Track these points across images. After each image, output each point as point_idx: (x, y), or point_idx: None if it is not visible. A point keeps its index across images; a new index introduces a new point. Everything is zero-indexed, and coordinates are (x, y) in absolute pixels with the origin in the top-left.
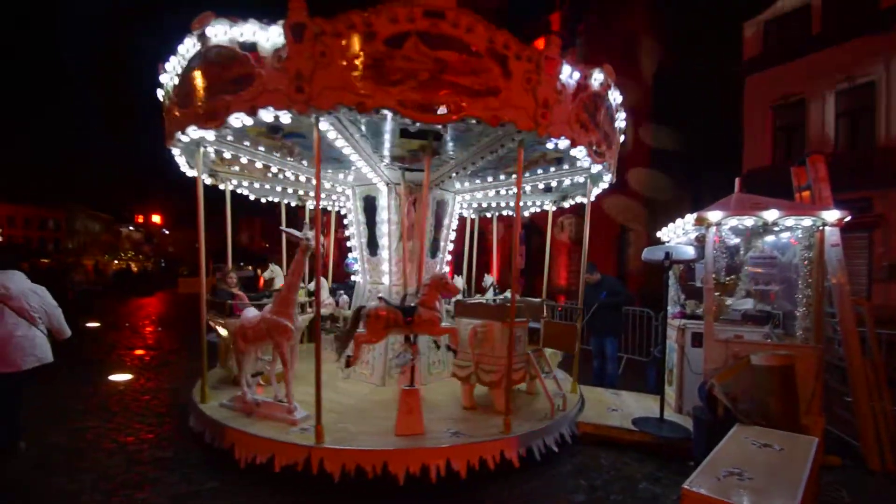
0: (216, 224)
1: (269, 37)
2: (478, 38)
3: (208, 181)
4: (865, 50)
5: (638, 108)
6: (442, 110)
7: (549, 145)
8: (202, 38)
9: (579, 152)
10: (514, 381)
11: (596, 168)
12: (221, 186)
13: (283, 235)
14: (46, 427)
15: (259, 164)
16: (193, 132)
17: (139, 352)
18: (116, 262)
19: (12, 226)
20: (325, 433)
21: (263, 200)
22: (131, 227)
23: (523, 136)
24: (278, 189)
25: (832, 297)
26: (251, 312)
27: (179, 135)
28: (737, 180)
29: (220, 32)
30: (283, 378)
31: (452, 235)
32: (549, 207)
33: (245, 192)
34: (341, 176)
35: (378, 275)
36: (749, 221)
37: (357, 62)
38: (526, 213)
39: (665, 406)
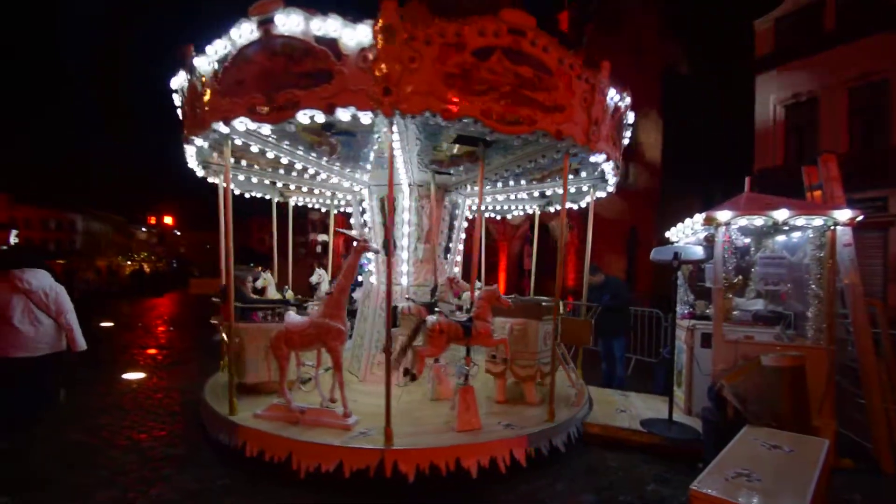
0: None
1: (354, 35)
2: (551, 57)
3: (200, 173)
4: (880, 47)
5: (647, 108)
6: (519, 122)
7: (592, 159)
8: (265, 25)
9: (608, 166)
10: (545, 375)
11: (613, 179)
12: (211, 179)
13: (290, 237)
14: (64, 424)
15: (284, 160)
16: (240, 123)
17: (151, 351)
18: (129, 263)
19: (29, 227)
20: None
21: (247, 195)
22: (144, 229)
23: (577, 151)
24: (266, 183)
25: (844, 297)
26: (292, 317)
27: (219, 125)
28: (747, 179)
29: (293, 23)
30: (338, 382)
31: (462, 237)
32: (535, 209)
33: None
34: (357, 175)
35: (395, 275)
36: (759, 221)
37: (446, 70)
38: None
39: (674, 407)
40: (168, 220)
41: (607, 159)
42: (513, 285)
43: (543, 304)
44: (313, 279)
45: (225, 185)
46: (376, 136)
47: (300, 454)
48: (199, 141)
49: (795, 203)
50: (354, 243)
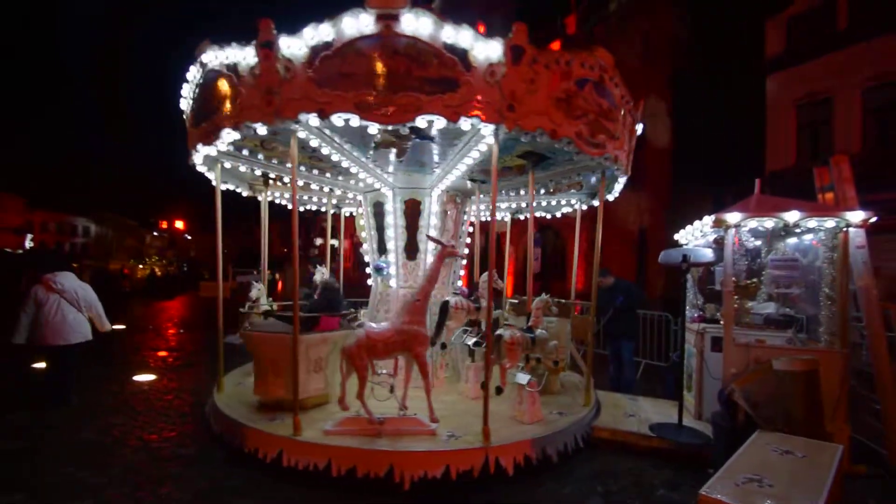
0: (236, 230)
1: (485, 49)
2: (618, 92)
3: (199, 161)
4: (894, 47)
5: (657, 109)
6: (597, 146)
7: (622, 179)
8: (387, 21)
9: (623, 177)
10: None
11: (622, 181)
12: (210, 175)
13: (294, 241)
14: (77, 423)
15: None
16: (338, 118)
17: (162, 353)
18: (141, 266)
19: (45, 231)
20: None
21: (223, 188)
22: (155, 233)
23: (618, 173)
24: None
25: (857, 300)
26: (371, 325)
27: (309, 116)
28: (757, 181)
29: (422, 25)
30: (425, 388)
31: (468, 240)
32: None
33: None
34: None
35: (414, 279)
36: (769, 223)
37: (555, 94)
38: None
39: (684, 412)
40: (179, 224)
41: (625, 172)
42: (521, 287)
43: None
44: (253, 294)
45: (292, 185)
46: (461, 143)
47: (403, 464)
48: (262, 129)
49: (807, 205)
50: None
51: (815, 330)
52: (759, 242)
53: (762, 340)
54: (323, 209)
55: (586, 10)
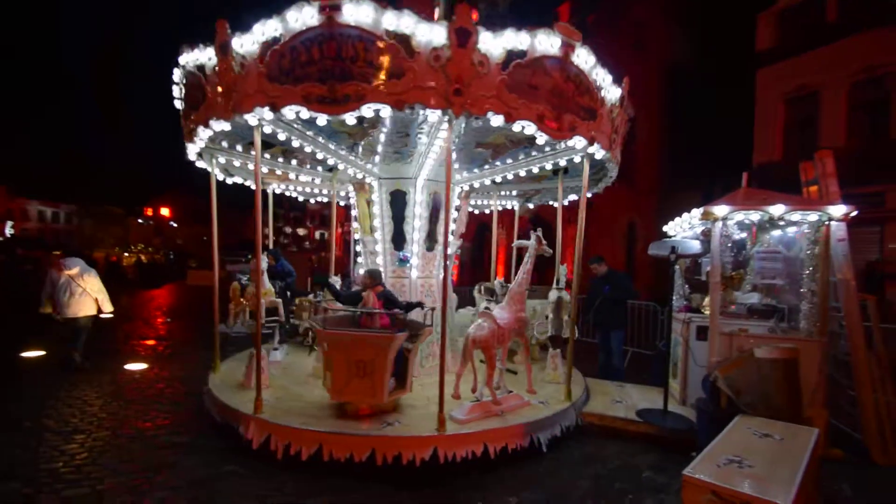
0: (228, 218)
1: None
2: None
3: (193, 155)
4: (882, 41)
5: (649, 101)
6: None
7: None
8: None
9: (610, 162)
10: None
11: (613, 172)
12: (207, 165)
13: (258, 230)
14: (70, 413)
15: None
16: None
17: (152, 342)
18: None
19: (26, 219)
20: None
21: (230, 181)
22: (140, 220)
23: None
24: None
25: (837, 291)
26: (498, 313)
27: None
28: (744, 175)
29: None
30: (526, 368)
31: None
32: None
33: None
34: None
35: (430, 269)
36: (755, 216)
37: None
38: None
39: (669, 398)
40: (165, 211)
41: (616, 164)
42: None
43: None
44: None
45: (255, 176)
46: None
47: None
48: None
49: (791, 198)
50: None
51: (797, 319)
52: (744, 234)
53: (745, 329)
54: (326, 199)
55: (579, 1)
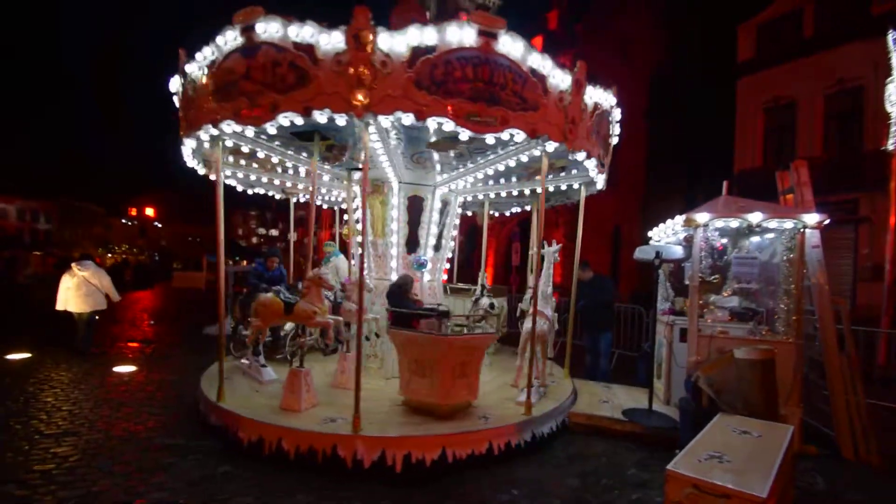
0: (210, 219)
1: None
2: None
3: (202, 170)
4: (856, 55)
5: (634, 107)
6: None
7: (572, 157)
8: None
9: (590, 163)
10: None
11: (599, 177)
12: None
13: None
14: (61, 416)
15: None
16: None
17: (140, 345)
18: (110, 255)
19: (4, 218)
20: None
21: (250, 192)
22: (123, 220)
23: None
24: (263, 180)
25: (812, 295)
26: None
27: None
28: (724, 183)
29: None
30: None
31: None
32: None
33: (233, 184)
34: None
35: (434, 272)
36: (734, 223)
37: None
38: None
39: (654, 398)
40: (149, 211)
41: (588, 157)
42: (501, 280)
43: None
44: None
45: (216, 185)
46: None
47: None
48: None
49: (768, 206)
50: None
51: (774, 322)
52: (724, 240)
53: (725, 332)
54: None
55: (567, 8)
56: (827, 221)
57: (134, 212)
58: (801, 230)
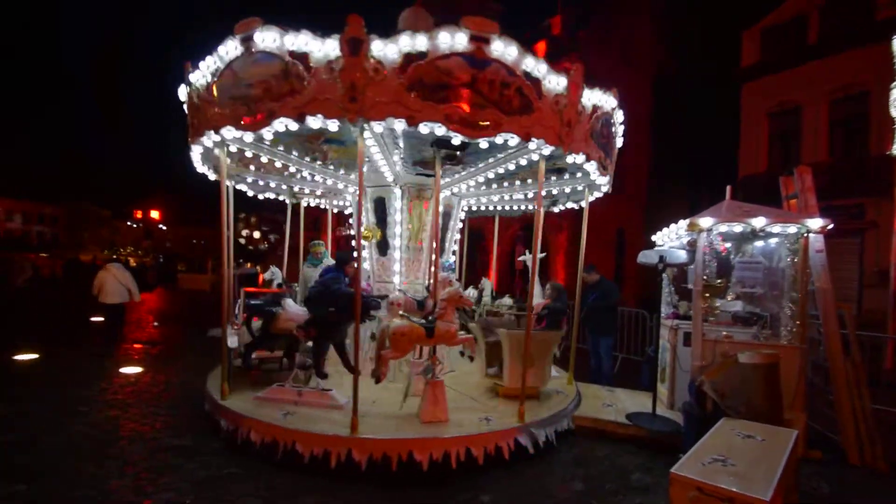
0: (216, 221)
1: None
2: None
3: (211, 175)
4: (861, 60)
5: (638, 112)
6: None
7: (569, 160)
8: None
9: (590, 166)
10: None
11: (601, 179)
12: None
13: (284, 233)
14: (69, 418)
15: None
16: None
17: (146, 346)
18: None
19: (10, 220)
20: None
21: (261, 196)
22: (129, 223)
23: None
24: (272, 185)
25: (816, 300)
26: None
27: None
28: (728, 188)
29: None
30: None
31: (457, 237)
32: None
33: (243, 188)
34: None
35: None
36: (738, 228)
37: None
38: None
39: (657, 402)
40: (154, 214)
41: (588, 159)
42: (505, 285)
43: None
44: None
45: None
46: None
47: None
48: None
49: (772, 211)
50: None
51: (778, 327)
52: (728, 244)
53: (729, 336)
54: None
55: (570, 15)
56: (831, 226)
57: (139, 214)
58: (805, 235)
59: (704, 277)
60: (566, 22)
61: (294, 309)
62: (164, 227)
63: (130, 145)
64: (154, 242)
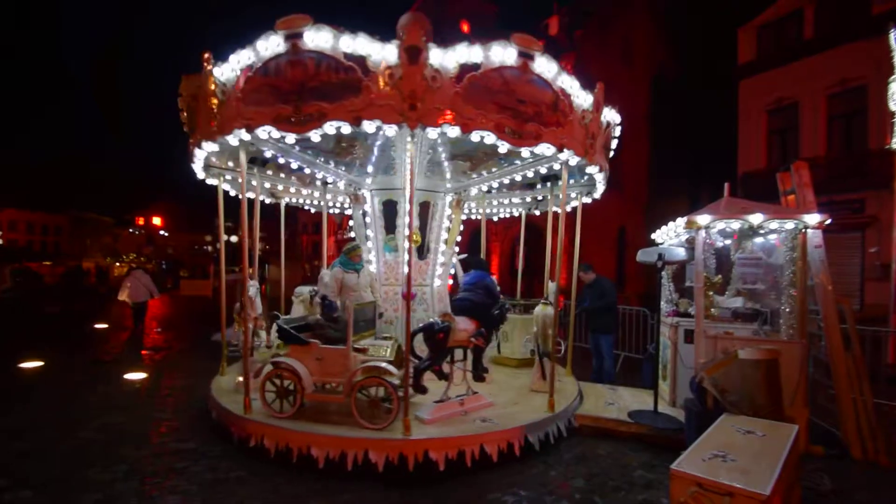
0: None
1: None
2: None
3: (201, 174)
4: (857, 54)
5: (636, 110)
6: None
7: (589, 170)
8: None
9: (600, 176)
10: None
11: (601, 179)
12: (211, 181)
13: (281, 236)
14: (75, 422)
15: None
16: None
17: (150, 352)
18: (118, 264)
19: (14, 230)
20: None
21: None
22: (131, 230)
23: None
24: (266, 186)
25: (815, 295)
26: None
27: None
28: (726, 185)
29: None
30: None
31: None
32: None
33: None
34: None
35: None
36: (736, 224)
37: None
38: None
39: (659, 400)
40: (157, 220)
41: (600, 170)
42: (506, 285)
43: None
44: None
45: (241, 190)
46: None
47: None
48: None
49: (770, 207)
50: None
51: (778, 322)
52: (728, 241)
53: (730, 332)
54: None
55: (568, 15)
56: (828, 221)
57: (141, 221)
58: (803, 230)
59: (704, 274)
60: (563, 22)
61: (458, 319)
62: (166, 234)
63: (133, 152)
64: (156, 249)
